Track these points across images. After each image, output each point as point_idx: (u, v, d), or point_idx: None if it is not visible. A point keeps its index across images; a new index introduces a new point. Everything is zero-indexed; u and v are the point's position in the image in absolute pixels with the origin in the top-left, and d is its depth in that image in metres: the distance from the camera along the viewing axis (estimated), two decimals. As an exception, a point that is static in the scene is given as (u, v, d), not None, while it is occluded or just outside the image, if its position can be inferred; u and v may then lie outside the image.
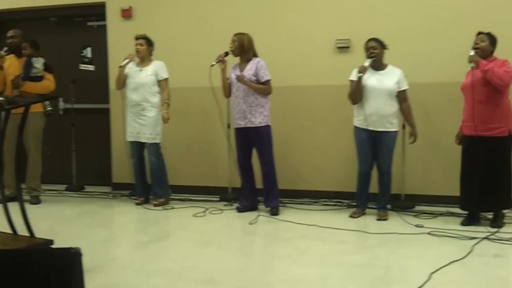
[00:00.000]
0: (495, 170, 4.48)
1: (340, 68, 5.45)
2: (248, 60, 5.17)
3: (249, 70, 5.11)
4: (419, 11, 5.38)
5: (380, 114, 4.79)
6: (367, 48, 4.87)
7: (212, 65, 5.21)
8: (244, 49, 5.15)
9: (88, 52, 6.65)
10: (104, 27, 6.46)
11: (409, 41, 5.37)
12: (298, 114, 5.79)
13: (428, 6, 5.35)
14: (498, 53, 4.55)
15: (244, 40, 5.14)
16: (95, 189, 6.49)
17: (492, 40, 4.50)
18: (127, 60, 5.55)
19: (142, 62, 5.57)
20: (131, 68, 5.58)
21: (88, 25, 6.66)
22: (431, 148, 5.42)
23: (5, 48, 5.54)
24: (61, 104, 6.75)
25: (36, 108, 5.58)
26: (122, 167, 6.33)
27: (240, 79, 5.04)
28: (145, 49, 5.54)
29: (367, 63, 4.79)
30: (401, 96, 4.90)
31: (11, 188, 4.88)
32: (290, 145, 5.74)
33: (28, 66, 5.57)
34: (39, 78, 5.65)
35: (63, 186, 6.56)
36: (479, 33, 4.54)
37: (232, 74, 5.20)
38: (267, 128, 5.18)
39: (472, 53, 4.45)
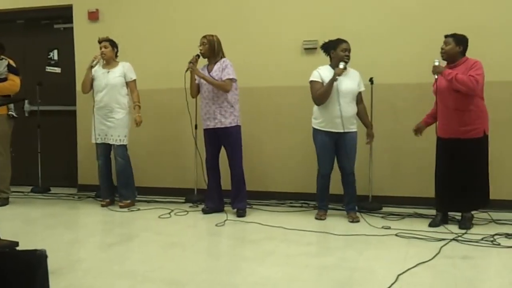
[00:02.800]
0: (472, 171, 4.38)
1: (307, 69, 5.19)
2: (216, 62, 5.06)
3: (216, 71, 4.98)
4: (386, 12, 5.31)
5: (345, 116, 4.68)
6: (343, 50, 4.72)
7: (187, 70, 5.04)
8: (213, 50, 5.03)
9: (54, 54, 6.53)
10: (71, 30, 6.25)
11: (376, 42, 5.29)
12: (265, 115, 5.68)
13: (394, 7, 5.28)
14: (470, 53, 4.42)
15: (213, 42, 5.03)
16: (61, 190, 6.30)
17: (458, 40, 4.37)
18: (96, 61, 5.37)
19: (108, 64, 5.40)
20: (97, 71, 5.40)
21: (55, 27, 6.44)
22: (398, 149, 5.34)
23: None
24: (27, 106, 6.53)
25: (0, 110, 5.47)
26: (88, 169, 6.14)
27: (193, 69, 4.96)
28: (110, 51, 5.38)
29: (342, 65, 4.67)
30: (358, 97, 4.85)
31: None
32: (256, 146, 5.63)
33: None
34: (2, 80, 5.41)
35: (29, 188, 6.36)
36: (446, 36, 4.44)
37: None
38: (237, 128, 5.06)
39: (436, 63, 4.37)
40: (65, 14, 6.25)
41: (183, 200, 5.74)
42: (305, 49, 5.56)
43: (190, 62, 5.04)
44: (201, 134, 5.27)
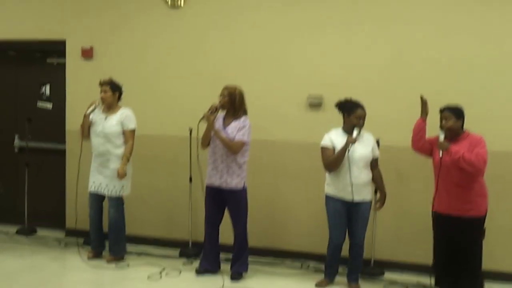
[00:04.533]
0: (471, 249, 4.05)
1: (313, 124, 5.02)
2: (236, 117, 4.59)
3: (233, 129, 4.52)
4: (393, 72, 4.95)
5: (356, 184, 4.28)
6: (357, 117, 4.32)
7: (202, 119, 4.55)
8: (234, 105, 4.57)
9: (46, 89, 6.16)
10: (63, 65, 5.81)
11: (383, 102, 4.92)
12: (268, 169, 5.25)
13: (403, 68, 4.93)
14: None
15: (235, 95, 4.57)
16: (48, 233, 5.86)
17: (458, 114, 4.04)
18: (91, 108, 4.93)
19: (108, 108, 4.94)
20: (96, 115, 4.94)
21: (47, 61, 6.00)
22: (401, 214, 4.97)
23: None
24: (16, 142, 6.14)
25: None
26: (76, 212, 5.82)
27: (209, 120, 4.48)
28: (110, 96, 4.91)
29: (355, 134, 4.28)
30: (373, 163, 4.46)
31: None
32: (257, 200, 5.12)
33: None
34: None
35: (15, 227, 5.92)
36: (442, 110, 4.07)
37: (215, 125, 4.57)
38: (243, 191, 4.61)
39: (441, 138, 4.02)
40: (58, 48, 5.82)
41: (176, 254, 5.31)
42: (310, 104, 5.15)
43: (209, 111, 4.53)
44: (199, 187, 4.83)
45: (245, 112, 4.62)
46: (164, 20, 5.49)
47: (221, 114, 4.66)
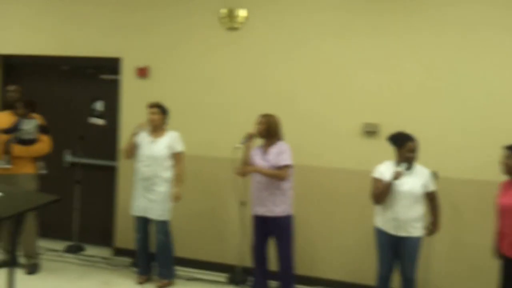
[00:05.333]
0: None
1: (366, 153, 4.82)
2: (272, 144, 4.55)
3: (273, 155, 4.45)
4: (452, 104, 4.69)
5: (402, 219, 4.09)
6: (409, 150, 4.11)
7: (237, 147, 4.56)
8: (270, 132, 4.52)
9: (99, 105, 6.11)
10: (116, 82, 5.74)
11: (440, 133, 4.69)
12: (318, 196, 5.06)
13: (464, 100, 4.66)
14: None
15: (272, 123, 4.51)
16: (95, 251, 5.80)
17: None
18: (138, 130, 4.86)
19: (155, 131, 4.85)
20: (143, 138, 4.85)
21: (100, 78, 5.95)
22: (457, 248, 4.72)
23: None
24: (67, 158, 6.15)
25: (27, 169, 4.96)
26: (126, 232, 5.69)
27: (248, 170, 4.50)
28: (159, 119, 4.83)
29: (400, 168, 4.07)
30: (429, 197, 4.22)
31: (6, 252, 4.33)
32: (306, 228, 5.01)
33: (15, 128, 4.87)
34: (32, 141, 4.93)
35: (62, 243, 5.87)
36: (509, 148, 3.74)
37: (259, 160, 4.54)
38: (288, 218, 4.49)
39: None
40: (111, 65, 5.76)
41: (224, 279, 5.18)
42: (365, 132, 4.93)
43: (245, 139, 4.53)
44: (248, 210, 4.76)
45: (281, 138, 4.58)
46: (220, 41, 5.33)
47: (258, 146, 4.65)
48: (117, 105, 5.78)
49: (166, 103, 5.00)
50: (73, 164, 6.05)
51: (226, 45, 5.32)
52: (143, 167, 4.85)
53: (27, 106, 4.97)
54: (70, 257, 5.71)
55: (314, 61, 5.08)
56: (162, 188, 4.82)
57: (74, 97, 6.09)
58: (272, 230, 4.55)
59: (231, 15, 5.26)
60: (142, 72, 5.53)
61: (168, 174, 4.84)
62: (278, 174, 4.41)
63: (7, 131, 4.88)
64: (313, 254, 5.14)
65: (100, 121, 6.00)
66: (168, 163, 4.84)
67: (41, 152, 5.07)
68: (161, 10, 5.52)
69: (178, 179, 4.86)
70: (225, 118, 5.32)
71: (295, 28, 5.12)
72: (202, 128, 5.39)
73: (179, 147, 4.87)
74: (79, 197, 5.92)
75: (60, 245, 5.93)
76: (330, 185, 5.07)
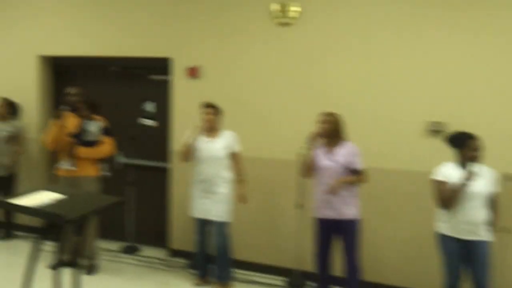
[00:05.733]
0: None
1: (431, 153, 4.58)
2: (340, 143, 4.36)
3: (343, 156, 4.29)
4: None
5: (473, 222, 3.87)
6: (473, 149, 3.89)
7: (302, 150, 4.44)
8: (336, 131, 4.34)
9: (149, 106, 6.05)
10: (165, 83, 5.66)
11: (507, 134, 4.44)
12: (381, 198, 4.87)
13: None
14: None
15: (337, 122, 4.34)
16: (150, 252, 5.80)
17: None
18: (193, 133, 4.75)
19: (210, 132, 4.76)
20: (199, 139, 4.78)
21: (149, 78, 5.87)
22: None
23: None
24: (120, 159, 6.08)
25: (90, 171, 5.00)
26: (181, 233, 5.60)
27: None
28: (214, 119, 4.74)
29: (474, 169, 3.81)
30: (493, 199, 3.97)
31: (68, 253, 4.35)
32: (368, 231, 4.81)
33: (81, 130, 4.94)
34: (95, 143, 4.98)
35: (116, 244, 5.91)
36: None
37: (325, 161, 4.34)
38: (357, 221, 4.37)
39: None
40: (161, 65, 5.68)
41: (282, 282, 5.09)
42: (430, 131, 4.69)
43: (310, 140, 4.36)
44: (306, 213, 4.64)
45: (345, 138, 4.42)
46: (273, 38, 5.14)
47: (323, 146, 4.43)
48: (167, 105, 5.70)
49: (219, 104, 4.89)
50: (124, 166, 6.02)
51: (279, 42, 5.13)
52: (202, 168, 4.77)
53: (90, 108, 4.98)
54: (126, 257, 5.72)
55: (374, 57, 4.84)
56: (222, 189, 4.75)
57: (123, 98, 6.04)
58: (340, 233, 4.40)
59: (283, 9, 5.07)
60: (193, 72, 5.42)
61: (227, 174, 4.77)
62: (361, 180, 4.33)
63: (74, 135, 4.93)
64: (377, 259, 4.96)
65: (150, 122, 5.94)
66: (227, 163, 4.77)
67: (104, 154, 5.10)
68: (211, 8, 5.36)
69: (240, 179, 4.80)
70: (280, 118, 5.17)
71: (352, 22, 4.89)
72: (254, 128, 5.26)
73: (237, 147, 4.80)
74: (133, 198, 5.90)
75: (116, 245, 5.95)
76: (392, 186, 4.87)
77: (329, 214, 4.36)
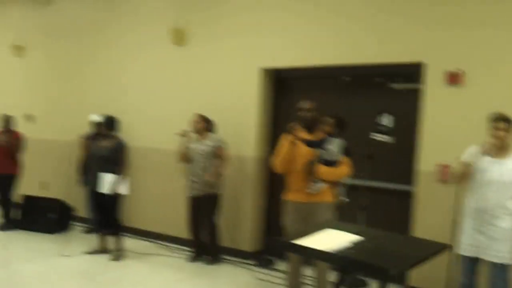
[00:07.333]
0: None
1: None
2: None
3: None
4: None
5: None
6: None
7: None
8: None
9: (386, 119, 5.27)
10: (413, 92, 4.87)
11: None
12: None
13: None
14: None
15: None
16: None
17: None
18: (484, 151, 3.84)
19: (499, 151, 3.85)
20: (482, 159, 3.87)
21: (389, 87, 5.13)
22: None
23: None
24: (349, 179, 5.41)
25: (328, 196, 4.30)
26: (425, 268, 4.75)
27: None
28: (506, 136, 3.81)
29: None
30: None
31: None
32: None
33: (319, 143, 4.28)
34: (334, 163, 4.29)
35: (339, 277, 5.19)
36: None
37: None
38: None
39: None
40: (407, 72, 4.88)
41: None
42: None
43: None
44: None
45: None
46: None
47: None
48: (412, 118, 4.87)
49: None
50: (355, 188, 5.26)
51: None
52: (483, 194, 3.85)
53: (338, 125, 4.31)
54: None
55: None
56: (506, 223, 3.78)
57: (355, 110, 5.32)
58: None
59: None
60: (455, 79, 4.54)
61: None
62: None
63: (311, 143, 4.27)
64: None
65: (385, 138, 5.12)
66: (512, 190, 3.76)
67: (343, 176, 4.43)
68: None
69: None
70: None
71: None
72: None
73: None
74: (364, 225, 5.10)
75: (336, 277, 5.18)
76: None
77: None
